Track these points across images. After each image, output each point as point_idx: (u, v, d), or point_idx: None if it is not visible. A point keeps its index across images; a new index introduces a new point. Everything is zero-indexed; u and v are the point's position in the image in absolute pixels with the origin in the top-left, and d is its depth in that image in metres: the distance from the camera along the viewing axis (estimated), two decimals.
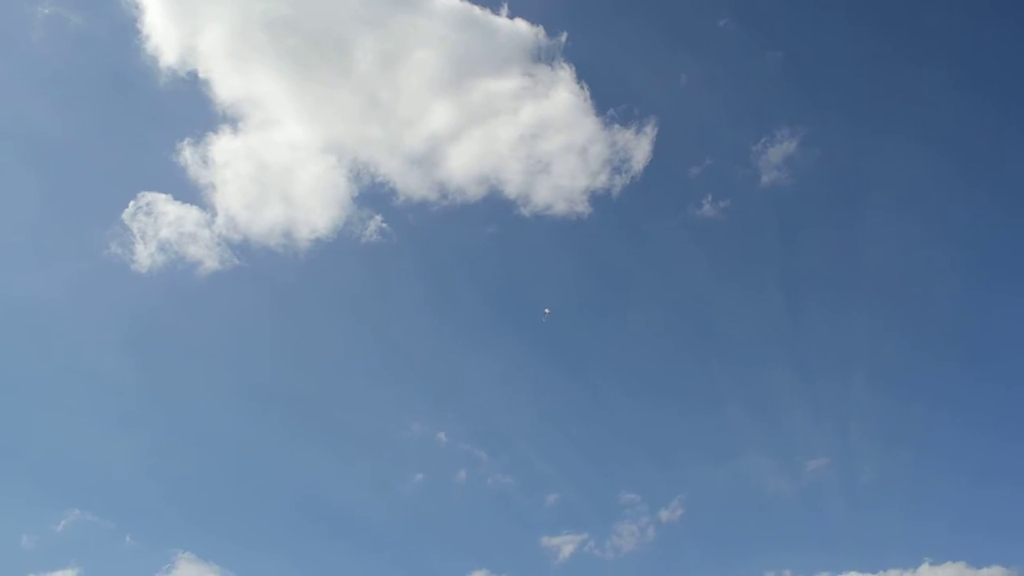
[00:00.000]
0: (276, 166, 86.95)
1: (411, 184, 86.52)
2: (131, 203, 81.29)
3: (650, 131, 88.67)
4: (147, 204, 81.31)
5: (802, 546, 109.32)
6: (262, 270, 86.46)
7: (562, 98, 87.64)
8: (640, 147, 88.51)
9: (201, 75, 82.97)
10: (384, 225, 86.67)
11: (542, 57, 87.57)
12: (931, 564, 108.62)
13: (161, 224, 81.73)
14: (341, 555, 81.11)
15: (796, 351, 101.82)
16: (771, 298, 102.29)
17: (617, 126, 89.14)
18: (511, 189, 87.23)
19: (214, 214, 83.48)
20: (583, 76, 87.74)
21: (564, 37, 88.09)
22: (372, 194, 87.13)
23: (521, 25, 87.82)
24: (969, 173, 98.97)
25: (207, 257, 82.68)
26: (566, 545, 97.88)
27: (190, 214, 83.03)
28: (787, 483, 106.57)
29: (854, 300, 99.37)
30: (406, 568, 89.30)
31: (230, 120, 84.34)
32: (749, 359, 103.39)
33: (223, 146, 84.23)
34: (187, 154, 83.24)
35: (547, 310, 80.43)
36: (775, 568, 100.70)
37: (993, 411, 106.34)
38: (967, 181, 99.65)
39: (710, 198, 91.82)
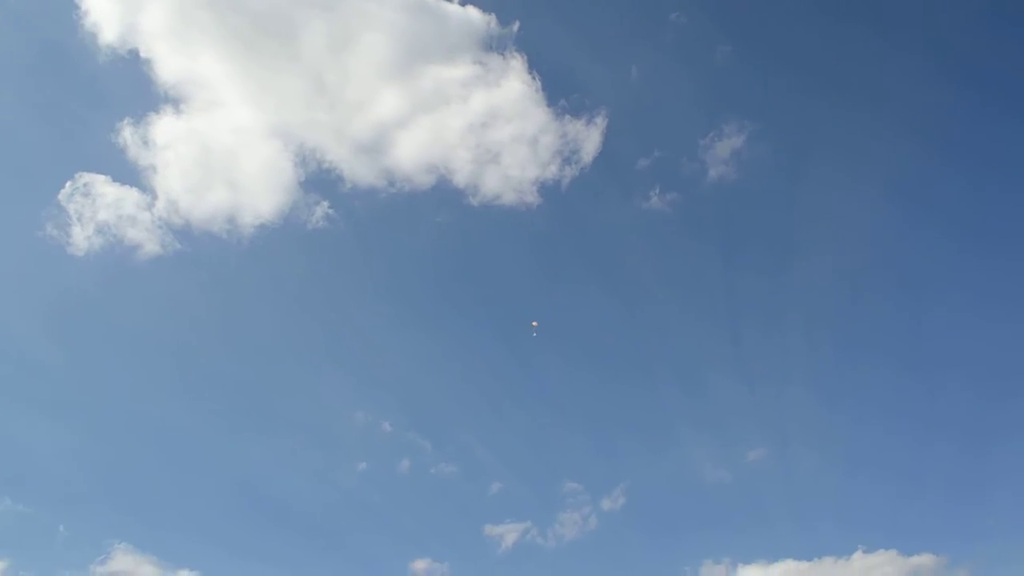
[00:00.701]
0: (220, 149, 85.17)
1: (358, 171, 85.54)
2: (68, 184, 78.99)
3: (600, 122, 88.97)
4: (84, 185, 79.13)
5: (740, 535, 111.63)
6: (204, 255, 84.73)
7: (513, 87, 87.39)
8: (590, 138, 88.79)
9: (143, 54, 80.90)
10: (331, 211, 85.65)
11: (494, 46, 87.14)
12: (864, 552, 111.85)
13: (99, 206, 79.63)
14: (281, 545, 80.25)
15: (738, 344, 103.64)
16: (715, 293, 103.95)
17: (568, 117, 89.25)
18: (460, 178, 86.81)
19: (154, 197, 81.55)
20: (535, 66, 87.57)
21: (516, 26, 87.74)
22: (319, 180, 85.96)
23: (473, 13, 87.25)
24: (910, 177, 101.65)
25: (147, 241, 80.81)
26: (509, 534, 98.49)
27: (129, 196, 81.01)
28: (727, 473, 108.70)
29: (794, 296, 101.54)
30: (347, 557, 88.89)
31: (172, 101, 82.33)
32: (691, 351, 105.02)
33: (165, 127, 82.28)
34: (127, 135, 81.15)
35: (535, 323, 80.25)
36: (714, 556, 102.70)
37: (924, 405, 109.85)
38: (907, 182, 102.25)
39: (658, 191, 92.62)
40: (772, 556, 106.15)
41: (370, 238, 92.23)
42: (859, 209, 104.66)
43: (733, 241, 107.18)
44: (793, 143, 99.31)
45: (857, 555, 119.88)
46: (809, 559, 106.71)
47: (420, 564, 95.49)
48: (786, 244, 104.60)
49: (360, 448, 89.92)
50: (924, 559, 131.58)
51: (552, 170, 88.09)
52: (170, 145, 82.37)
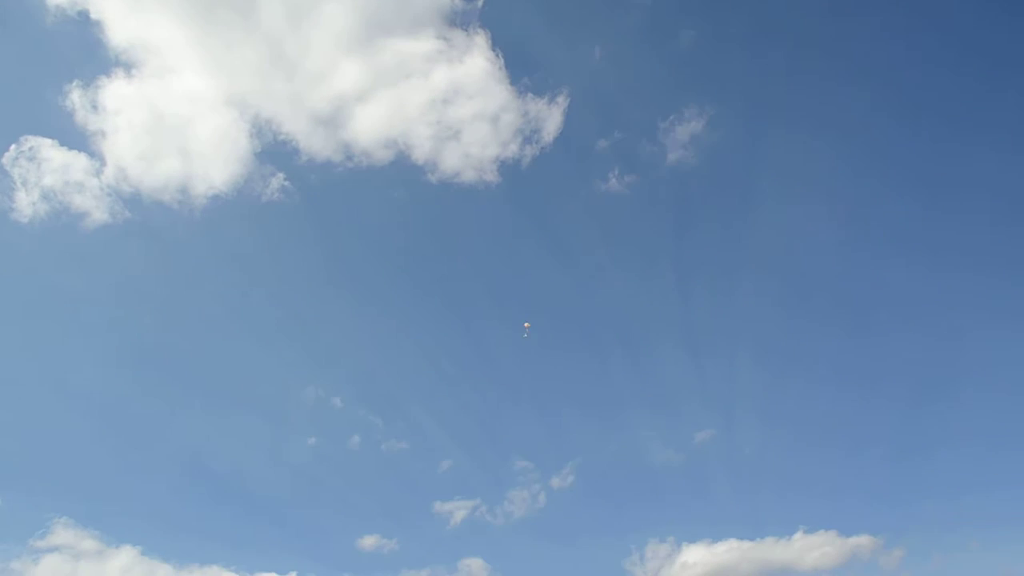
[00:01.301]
0: (173, 117, 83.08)
1: (315, 144, 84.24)
2: (12, 147, 76.64)
3: (562, 102, 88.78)
4: (30, 149, 76.82)
5: (686, 514, 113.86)
6: (155, 225, 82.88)
7: (476, 64, 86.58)
8: (551, 118, 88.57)
9: (93, 15, 78.36)
10: (286, 184, 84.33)
11: (457, 21, 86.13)
12: (805, 532, 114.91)
13: (45, 171, 77.33)
14: (228, 521, 79.63)
15: (688, 325, 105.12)
16: (666, 275, 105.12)
17: (530, 95, 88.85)
18: (419, 154, 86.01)
19: (103, 163, 79.43)
20: (498, 43, 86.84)
21: (481, 2, 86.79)
22: (274, 151, 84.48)
23: None
24: (859, 159, 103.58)
25: (95, 208, 78.72)
26: (458, 511, 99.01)
27: (77, 162, 78.77)
28: (674, 453, 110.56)
29: (744, 279, 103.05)
30: (295, 533, 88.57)
31: (124, 65, 80.00)
32: (644, 332, 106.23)
33: (115, 92, 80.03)
34: (75, 98, 78.79)
35: (527, 324, 79.96)
36: (660, 535, 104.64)
37: (868, 386, 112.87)
38: (856, 166, 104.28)
39: (616, 172, 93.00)
40: (716, 535, 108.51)
41: (326, 212, 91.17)
42: (812, 184, 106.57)
43: (688, 225, 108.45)
44: (752, 129, 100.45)
45: (798, 535, 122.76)
46: (752, 539, 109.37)
47: (369, 540, 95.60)
48: (739, 231, 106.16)
49: (310, 423, 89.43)
50: (862, 540, 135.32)
51: (513, 149, 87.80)
52: (120, 110, 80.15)
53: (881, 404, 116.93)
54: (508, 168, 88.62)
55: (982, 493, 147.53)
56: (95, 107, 79.20)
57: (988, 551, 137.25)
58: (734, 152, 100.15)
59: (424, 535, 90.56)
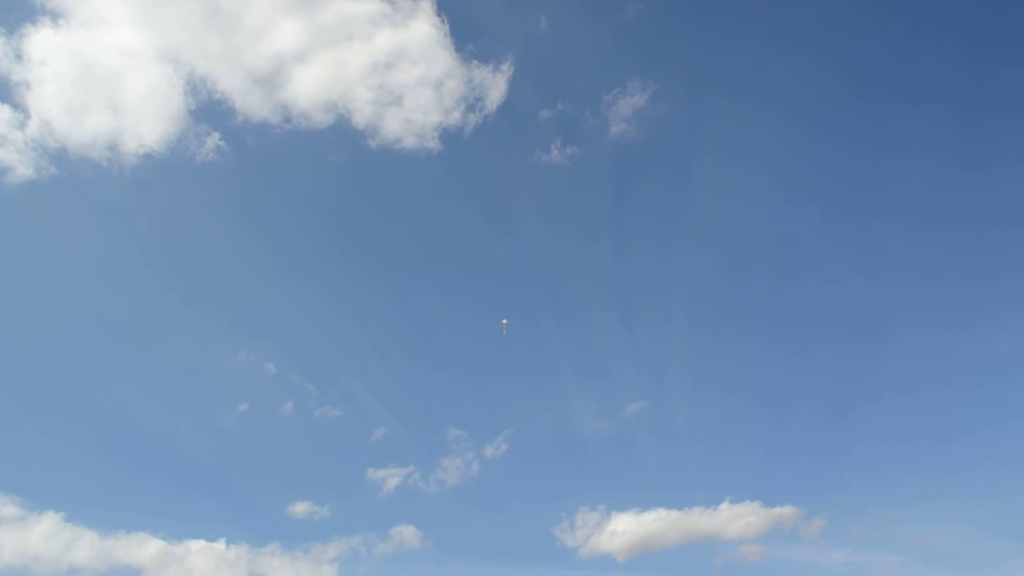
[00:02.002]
0: (103, 70, 79.95)
1: (252, 104, 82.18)
2: None
3: (507, 70, 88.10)
4: None
5: (617, 484, 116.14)
6: (82, 183, 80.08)
7: (421, 29, 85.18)
8: (496, 86, 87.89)
9: None
10: (222, 143, 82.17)
11: None
12: (731, 503, 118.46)
13: None
14: (156, 487, 78.42)
15: (624, 294, 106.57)
16: (603, 245, 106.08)
17: (475, 63, 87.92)
18: (359, 119, 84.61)
19: (27, 116, 76.28)
20: (443, 8, 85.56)
21: None
22: (209, 110, 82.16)
23: None
24: (799, 124, 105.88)
25: (18, 163, 75.68)
26: (391, 478, 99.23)
27: None
28: (606, 424, 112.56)
29: (682, 246, 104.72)
30: (224, 500, 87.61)
31: (50, 13, 76.60)
32: (579, 304, 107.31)
33: (41, 41, 76.62)
34: None
35: (505, 321, 79.35)
36: (590, 503, 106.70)
37: (792, 367, 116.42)
38: (795, 131, 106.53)
39: (559, 143, 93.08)
40: (645, 504, 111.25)
41: (262, 175, 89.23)
42: (746, 179, 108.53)
43: (627, 196, 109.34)
44: (695, 104, 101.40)
45: (724, 505, 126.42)
46: (680, 508, 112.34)
47: (300, 507, 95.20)
48: (678, 200, 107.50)
49: (242, 389, 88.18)
50: (785, 510, 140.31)
51: (455, 116, 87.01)
52: (47, 61, 76.80)
53: (814, 363, 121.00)
54: (450, 136, 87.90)
55: (901, 466, 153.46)
56: (19, 56, 75.84)
57: (905, 521, 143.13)
58: (676, 127, 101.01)
59: (356, 502, 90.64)
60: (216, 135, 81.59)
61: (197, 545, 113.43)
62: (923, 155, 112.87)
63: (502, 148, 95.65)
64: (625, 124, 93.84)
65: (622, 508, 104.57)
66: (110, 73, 79.84)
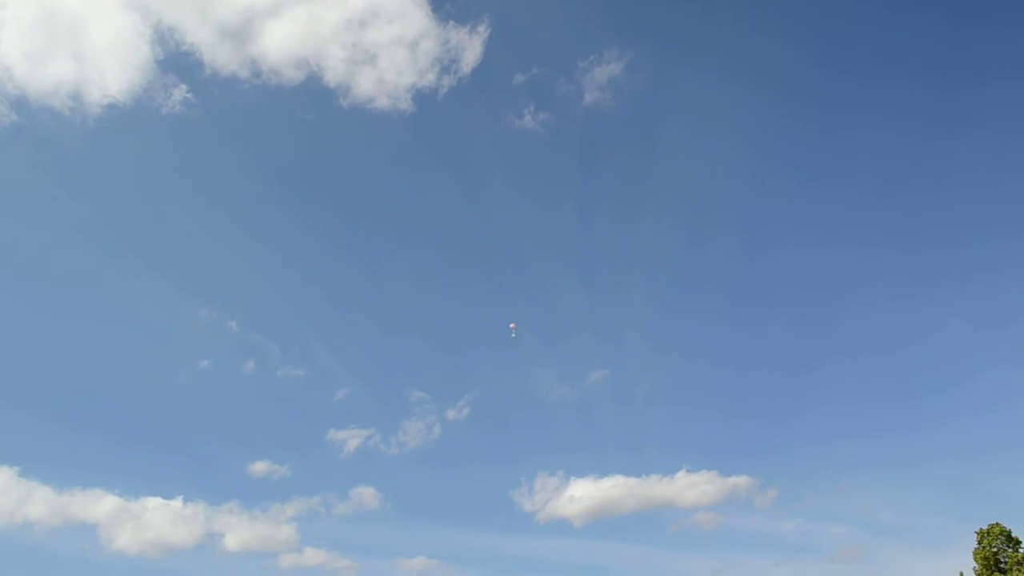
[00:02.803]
0: (67, 15, 77.84)
1: (221, 57, 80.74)
2: None
3: (483, 32, 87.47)
4: None
5: (576, 450, 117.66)
6: (43, 131, 78.18)
7: None
8: (471, 48, 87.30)
9: None
10: (189, 96, 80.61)
11: None
12: (688, 472, 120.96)
13: None
14: (113, 443, 78.07)
15: (588, 261, 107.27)
16: (568, 214, 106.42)
17: (452, 23, 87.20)
18: (331, 77, 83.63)
19: None
20: None
21: None
22: (177, 62, 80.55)
23: None
24: (765, 94, 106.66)
25: None
26: (352, 439, 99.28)
27: None
28: (569, 391, 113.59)
29: (647, 212, 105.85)
30: (183, 457, 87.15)
31: None
32: (544, 269, 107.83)
33: None
34: None
35: (513, 325, 78.88)
36: (549, 468, 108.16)
37: (748, 341, 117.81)
38: (762, 102, 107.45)
39: (532, 109, 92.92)
40: (603, 471, 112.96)
41: (229, 130, 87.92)
42: (713, 150, 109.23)
43: (595, 163, 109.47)
44: (669, 74, 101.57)
45: (681, 474, 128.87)
46: (637, 476, 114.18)
47: (260, 466, 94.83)
48: (645, 168, 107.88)
49: (203, 346, 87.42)
50: (740, 480, 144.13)
51: (430, 78, 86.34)
52: (6, 3, 74.44)
53: (772, 328, 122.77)
54: (423, 97, 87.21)
55: (853, 440, 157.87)
56: None
57: (854, 492, 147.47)
58: (650, 97, 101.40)
59: (316, 463, 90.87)
60: (183, 87, 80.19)
61: (154, 502, 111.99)
62: (885, 126, 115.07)
63: (475, 112, 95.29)
64: (599, 92, 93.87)
65: (581, 474, 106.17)
66: (74, 18, 77.71)
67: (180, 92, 78.86)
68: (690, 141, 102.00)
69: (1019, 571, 71.14)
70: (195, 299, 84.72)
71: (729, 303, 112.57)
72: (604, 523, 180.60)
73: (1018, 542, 79.72)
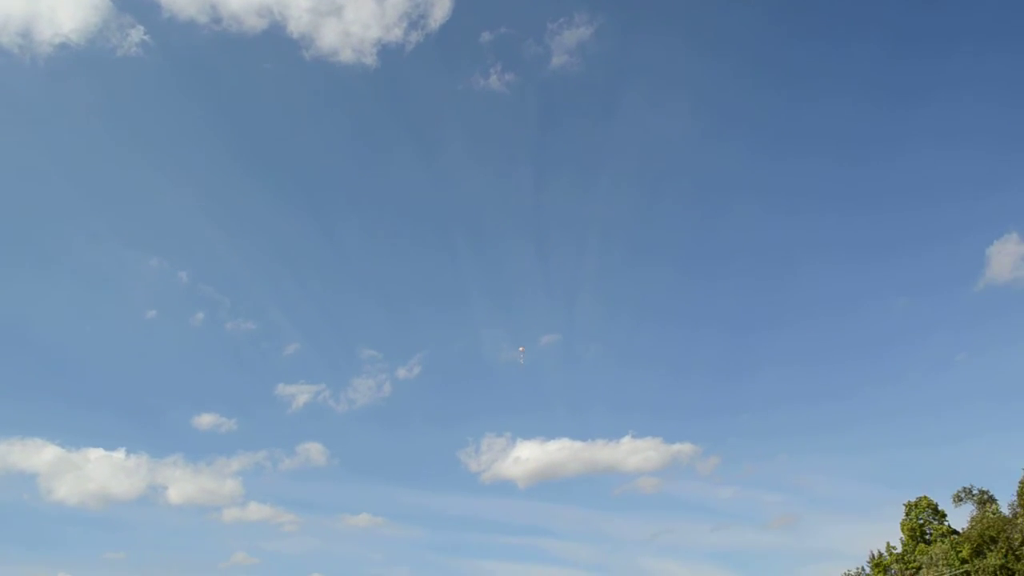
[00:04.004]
0: None
1: (180, 0, 78.33)
2: None
3: None
4: None
5: (524, 412, 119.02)
6: None
7: None
8: (440, 3, 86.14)
9: None
10: (146, 39, 78.22)
11: None
12: (633, 437, 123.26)
13: None
14: (54, 392, 76.65)
15: (543, 223, 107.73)
16: (524, 176, 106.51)
17: None
18: (295, 27, 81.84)
19: None
20: None
21: None
22: (134, 3, 77.98)
23: None
24: (726, 60, 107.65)
25: None
26: (301, 395, 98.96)
27: None
28: (519, 354, 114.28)
29: (600, 183, 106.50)
30: (126, 408, 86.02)
31: None
32: (498, 231, 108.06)
33: None
34: None
35: (521, 348, 78.16)
36: (497, 430, 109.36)
37: (697, 307, 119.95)
38: (722, 67, 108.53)
39: (498, 69, 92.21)
40: (550, 434, 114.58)
41: (187, 76, 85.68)
42: (674, 117, 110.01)
43: (554, 129, 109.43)
44: (637, 40, 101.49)
45: (626, 439, 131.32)
46: (583, 440, 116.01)
47: (206, 419, 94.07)
48: (601, 141, 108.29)
49: (150, 296, 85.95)
50: (684, 447, 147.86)
51: (396, 33, 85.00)
52: None
53: (723, 291, 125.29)
54: (389, 53, 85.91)
55: (793, 408, 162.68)
56: None
57: (792, 465, 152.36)
58: (615, 63, 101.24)
59: (264, 417, 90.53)
60: (140, 29, 77.78)
61: (96, 453, 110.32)
62: (842, 94, 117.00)
63: (440, 70, 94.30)
64: (567, 56, 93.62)
65: (528, 436, 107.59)
66: None
67: (137, 34, 76.60)
68: (651, 107, 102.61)
69: (943, 543, 74.52)
70: (145, 248, 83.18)
71: (683, 267, 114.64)
72: (548, 485, 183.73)
73: (944, 515, 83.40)
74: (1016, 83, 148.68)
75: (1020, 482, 76.50)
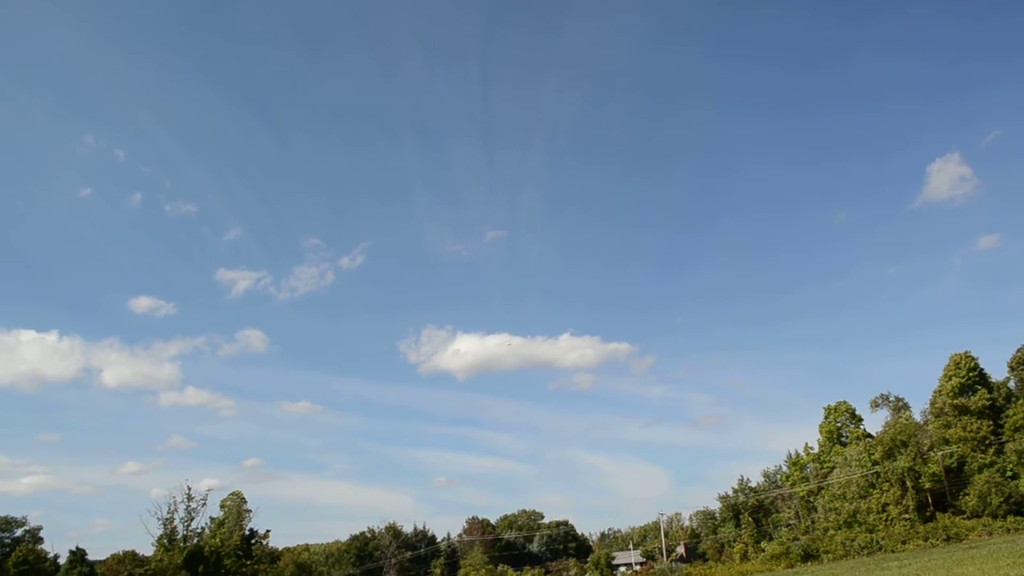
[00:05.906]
0: None
1: None
2: None
3: None
4: None
5: (466, 306, 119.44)
6: None
7: None
8: None
9: None
10: None
11: None
12: (572, 335, 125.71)
13: None
14: None
15: (489, 121, 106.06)
16: (471, 74, 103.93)
17: None
18: None
19: None
20: None
21: None
22: None
23: None
24: None
25: None
26: (242, 281, 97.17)
27: None
28: (464, 249, 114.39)
29: (547, 83, 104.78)
30: (59, 288, 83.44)
31: None
32: (442, 129, 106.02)
33: None
34: None
35: (509, 343, 76.28)
36: (438, 322, 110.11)
37: (640, 206, 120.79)
38: None
39: None
40: (490, 328, 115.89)
41: None
42: (618, 24, 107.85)
43: (503, 28, 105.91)
44: None
45: (565, 336, 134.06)
46: (523, 335, 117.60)
47: (142, 301, 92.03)
48: (550, 43, 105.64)
49: (85, 174, 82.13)
50: (620, 346, 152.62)
51: None
52: None
53: (666, 184, 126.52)
54: None
55: (728, 304, 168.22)
56: None
57: (724, 367, 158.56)
58: None
59: (203, 302, 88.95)
60: None
61: (27, 335, 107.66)
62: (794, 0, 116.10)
63: None
64: None
65: (468, 329, 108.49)
66: None
67: None
68: (600, 8, 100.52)
69: (857, 445, 78.67)
70: (78, 124, 79.00)
71: (627, 165, 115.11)
72: (486, 378, 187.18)
73: (860, 419, 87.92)
74: None
75: (933, 392, 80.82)
